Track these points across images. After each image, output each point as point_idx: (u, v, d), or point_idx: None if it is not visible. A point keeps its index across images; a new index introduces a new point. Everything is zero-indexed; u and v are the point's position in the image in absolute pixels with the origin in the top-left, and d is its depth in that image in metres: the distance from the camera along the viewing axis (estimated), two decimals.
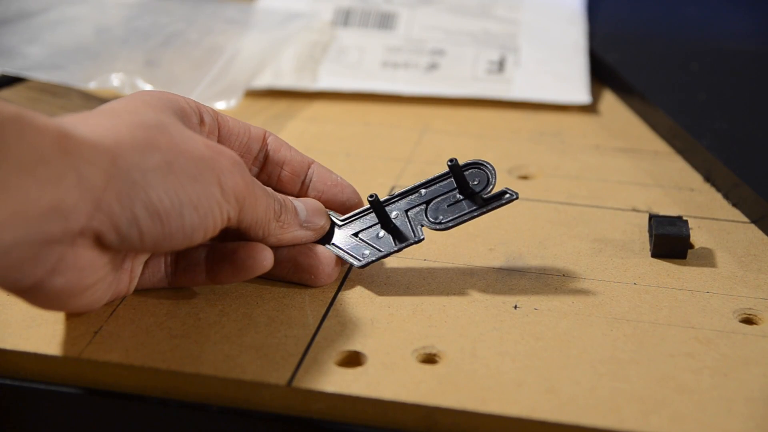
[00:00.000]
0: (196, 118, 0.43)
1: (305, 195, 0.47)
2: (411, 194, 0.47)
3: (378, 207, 0.45)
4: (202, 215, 0.39)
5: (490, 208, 0.46)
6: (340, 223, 0.47)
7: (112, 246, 0.38)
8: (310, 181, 0.47)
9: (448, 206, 0.46)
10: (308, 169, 0.47)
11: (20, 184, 0.33)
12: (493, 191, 0.46)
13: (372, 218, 0.47)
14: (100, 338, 0.42)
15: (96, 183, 0.35)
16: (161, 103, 0.41)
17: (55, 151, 0.34)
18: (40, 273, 0.36)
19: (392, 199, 0.47)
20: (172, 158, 0.38)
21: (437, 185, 0.47)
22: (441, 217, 0.46)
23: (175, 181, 0.38)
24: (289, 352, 0.41)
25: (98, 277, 0.39)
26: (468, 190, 0.46)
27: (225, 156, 0.40)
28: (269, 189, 0.44)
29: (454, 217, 0.46)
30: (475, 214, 0.46)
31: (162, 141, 0.38)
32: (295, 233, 0.44)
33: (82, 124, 0.37)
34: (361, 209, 0.47)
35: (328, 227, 0.46)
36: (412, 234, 0.46)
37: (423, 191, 0.47)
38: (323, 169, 0.48)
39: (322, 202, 0.47)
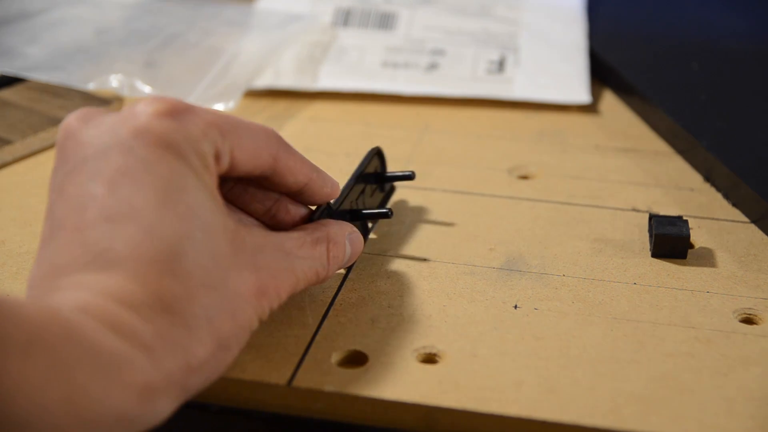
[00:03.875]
0: (212, 157, 0.37)
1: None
2: (347, 194, 0.47)
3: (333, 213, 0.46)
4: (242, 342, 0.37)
5: (388, 188, 0.52)
6: None
7: None
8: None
9: (371, 196, 0.50)
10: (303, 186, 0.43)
11: None
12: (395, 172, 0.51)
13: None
14: None
15: (165, 410, 0.34)
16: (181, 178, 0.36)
17: (138, 404, 0.33)
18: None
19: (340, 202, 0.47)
20: (225, 344, 0.36)
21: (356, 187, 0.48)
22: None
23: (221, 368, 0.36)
24: (289, 352, 0.41)
25: None
26: (378, 176, 0.51)
27: (260, 304, 0.38)
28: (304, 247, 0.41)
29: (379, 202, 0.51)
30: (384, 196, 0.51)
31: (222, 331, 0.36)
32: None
33: (158, 350, 0.34)
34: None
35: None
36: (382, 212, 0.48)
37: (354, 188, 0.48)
38: (317, 185, 0.43)
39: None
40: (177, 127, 0.36)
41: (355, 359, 0.41)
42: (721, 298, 0.45)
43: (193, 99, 0.64)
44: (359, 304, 0.44)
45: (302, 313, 0.44)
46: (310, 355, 0.41)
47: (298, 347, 0.41)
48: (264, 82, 0.68)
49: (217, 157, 0.38)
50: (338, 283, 0.46)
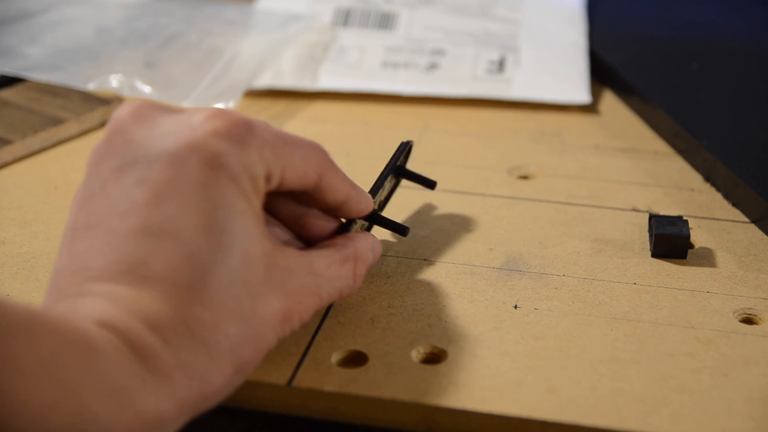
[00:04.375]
0: (263, 180, 0.37)
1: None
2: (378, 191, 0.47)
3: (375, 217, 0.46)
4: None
5: (402, 170, 0.50)
6: None
7: None
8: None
9: (388, 187, 0.50)
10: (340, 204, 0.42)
11: None
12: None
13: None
14: None
15: None
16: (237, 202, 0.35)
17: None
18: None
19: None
20: (243, 369, 0.36)
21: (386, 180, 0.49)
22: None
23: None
24: (289, 352, 0.41)
25: None
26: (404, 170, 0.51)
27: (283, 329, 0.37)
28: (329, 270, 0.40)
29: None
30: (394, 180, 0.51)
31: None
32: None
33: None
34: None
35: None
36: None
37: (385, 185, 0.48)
38: (353, 204, 0.43)
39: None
40: (234, 150, 0.36)
41: (355, 359, 0.41)
42: (721, 298, 0.45)
43: (193, 99, 0.64)
44: (359, 304, 0.44)
45: None
46: (310, 355, 0.41)
47: (298, 347, 0.41)
48: (264, 82, 0.68)
49: (268, 179, 0.37)
50: None
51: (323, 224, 0.42)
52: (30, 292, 0.45)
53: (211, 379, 0.34)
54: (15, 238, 0.50)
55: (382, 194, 0.49)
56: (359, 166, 0.58)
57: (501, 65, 0.70)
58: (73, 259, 0.35)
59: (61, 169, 0.57)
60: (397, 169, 0.50)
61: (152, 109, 0.37)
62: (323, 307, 0.40)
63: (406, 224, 0.51)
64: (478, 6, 0.76)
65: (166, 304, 0.33)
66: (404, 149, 0.50)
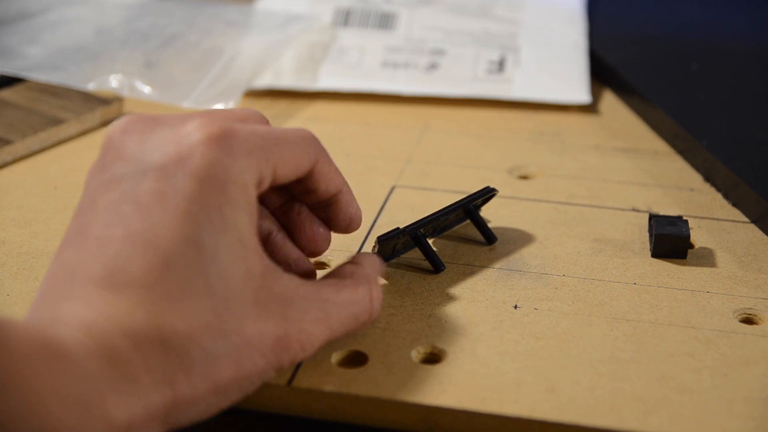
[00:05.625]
0: (254, 186, 0.37)
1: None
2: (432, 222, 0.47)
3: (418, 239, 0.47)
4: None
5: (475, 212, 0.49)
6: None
7: None
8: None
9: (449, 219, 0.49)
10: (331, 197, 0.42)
11: None
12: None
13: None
14: None
15: None
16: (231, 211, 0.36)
17: None
18: None
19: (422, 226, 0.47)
20: (222, 390, 0.35)
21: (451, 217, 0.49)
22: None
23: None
24: None
25: None
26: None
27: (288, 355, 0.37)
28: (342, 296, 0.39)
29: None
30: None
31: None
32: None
33: None
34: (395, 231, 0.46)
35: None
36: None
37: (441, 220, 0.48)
38: (344, 200, 0.42)
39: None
40: (223, 159, 0.36)
41: (355, 359, 0.41)
42: (721, 298, 0.45)
43: (193, 99, 0.64)
44: None
45: None
46: None
47: None
48: (264, 82, 0.68)
49: (260, 183, 0.37)
50: None
51: (312, 228, 0.42)
52: (30, 292, 0.45)
53: (180, 387, 0.34)
54: (15, 238, 0.50)
55: (444, 222, 0.48)
56: (359, 166, 0.58)
57: (501, 65, 0.70)
58: (59, 266, 0.36)
59: (61, 169, 0.57)
60: (470, 208, 0.49)
61: (143, 124, 0.37)
62: (337, 337, 0.39)
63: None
64: (478, 6, 0.76)
65: (141, 310, 0.34)
66: (486, 193, 0.49)
